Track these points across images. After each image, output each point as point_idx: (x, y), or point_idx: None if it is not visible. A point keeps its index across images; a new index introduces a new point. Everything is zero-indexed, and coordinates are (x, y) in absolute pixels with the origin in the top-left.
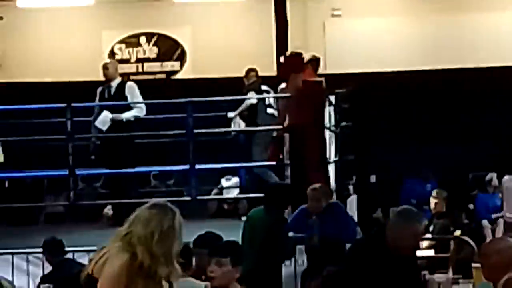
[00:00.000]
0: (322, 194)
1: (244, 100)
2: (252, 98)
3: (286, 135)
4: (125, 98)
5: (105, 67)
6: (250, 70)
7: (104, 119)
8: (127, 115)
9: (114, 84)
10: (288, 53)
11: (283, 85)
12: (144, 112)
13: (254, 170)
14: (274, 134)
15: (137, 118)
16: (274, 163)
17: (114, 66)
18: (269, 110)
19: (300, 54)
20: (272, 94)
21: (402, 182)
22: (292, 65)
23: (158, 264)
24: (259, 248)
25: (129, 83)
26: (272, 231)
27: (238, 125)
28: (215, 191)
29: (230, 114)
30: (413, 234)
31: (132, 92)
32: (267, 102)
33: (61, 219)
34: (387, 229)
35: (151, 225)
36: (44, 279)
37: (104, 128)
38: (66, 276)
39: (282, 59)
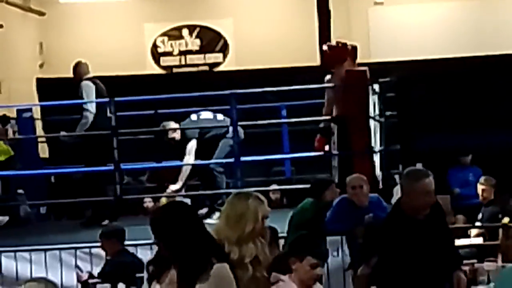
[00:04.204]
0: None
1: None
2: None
3: (334, 125)
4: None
5: (74, 68)
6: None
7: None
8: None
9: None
10: (332, 43)
11: (328, 76)
12: (91, 112)
13: (213, 167)
14: (321, 125)
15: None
16: (321, 153)
17: (81, 68)
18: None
19: (345, 43)
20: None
21: (448, 170)
22: (337, 55)
23: (232, 247)
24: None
25: (82, 83)
26: (305, 216)
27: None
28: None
29: None
30: (423, 191)
31: (83, 94)
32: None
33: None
34: (401, 193)
35: (226, 213)
36: (106, 267)
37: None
38: (126, 262)
39: (325, 47)
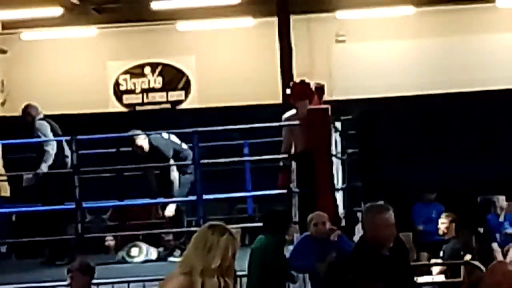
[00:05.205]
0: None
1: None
2: None
3: (293, 163)
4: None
5: (28, 112)
6: None
7: (27, 179)
8: (44, 167)
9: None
10: (293, 82)
11: (287, 114)
12: (53, 147)
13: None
14: (281, 163)
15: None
16: (285, 191)
17: (31, 109)
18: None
19: (305, 81)
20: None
21: (411, 207)
22: (299, 92)
23: (196, 277)
24: (259, 274)
25: (36, 124)
26: (269, 255)
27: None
28: None
29: None
30: (384, 224)
31: (40, 132)
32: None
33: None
34: (363, 229)
35: (196, 242)
36: None
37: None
38: None
39: (288, 90)
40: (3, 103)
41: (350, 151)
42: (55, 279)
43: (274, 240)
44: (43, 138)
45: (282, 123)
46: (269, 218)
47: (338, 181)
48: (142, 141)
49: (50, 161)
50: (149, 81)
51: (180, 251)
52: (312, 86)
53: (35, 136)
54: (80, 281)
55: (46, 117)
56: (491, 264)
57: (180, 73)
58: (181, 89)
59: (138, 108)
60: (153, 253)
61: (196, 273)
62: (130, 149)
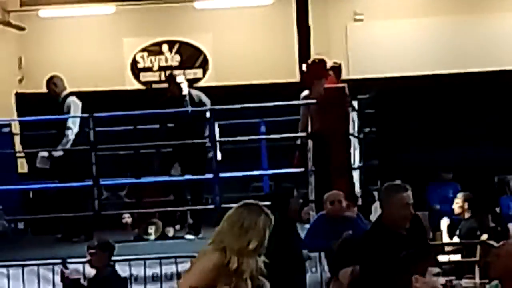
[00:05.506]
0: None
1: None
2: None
3: (310, 141)
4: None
5: (54, 83)
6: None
7: (41, 160)
8: (59, 149)
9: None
10: (310, 61)
11: (305, 92)
12: (73, 132)
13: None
14: (298, 141)
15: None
16: (301, 170)
17: (58, 81)
18: None
19: (323, 60)
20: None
21: (427, 186)
22: (315, 72)
23: (232, 256)
24: (275, 257)
25: (68, 100)
26: (281, 236)
27: None
28: None
29: None
30: (402, 203)
31: (70, 111)
32: None
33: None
34: (381, 208)
35: (232, 220)
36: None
37: (47, 167)
38: (116, 277)
39: (304, 67)
40: (21, 80)
41: (367, 130)
42: (72, 255)
43: (277, 222)
44: (63, 116)
45: (299, 101)
46: (271, 198)
47: (355, 160)
48: (183, 79)
49: (67, 146)
50: (166, 59)
51: (197, 229)
52: (329, 65)
53: (63, 111)
54: (99, 257)
55: (72, 94)
56: (497, 245)
57: (198, 51)
58: (199, 67)
59: (155, 85)
60: (170, 230)
61: (231, 251)
62: (149, 127)
